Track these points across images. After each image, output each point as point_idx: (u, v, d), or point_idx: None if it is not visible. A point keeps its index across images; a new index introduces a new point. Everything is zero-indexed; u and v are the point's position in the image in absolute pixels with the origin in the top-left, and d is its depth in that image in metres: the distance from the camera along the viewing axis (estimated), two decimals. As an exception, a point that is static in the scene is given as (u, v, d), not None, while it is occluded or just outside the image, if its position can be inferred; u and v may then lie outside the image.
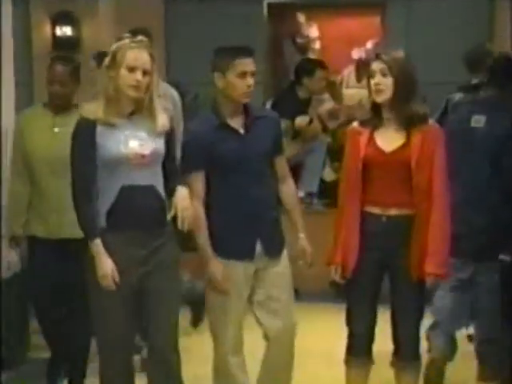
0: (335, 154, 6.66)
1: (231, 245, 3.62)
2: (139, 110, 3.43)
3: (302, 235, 3.82)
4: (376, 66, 3.60)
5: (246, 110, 3.66)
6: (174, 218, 3.42)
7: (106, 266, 3.34)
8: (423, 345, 4.03)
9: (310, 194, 6.98)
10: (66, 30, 6.68)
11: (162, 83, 4.87)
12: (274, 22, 8.20)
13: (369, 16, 8.69)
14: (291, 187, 3.89)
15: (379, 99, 3.59)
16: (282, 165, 3.83)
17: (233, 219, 3.62)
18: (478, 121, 4.20)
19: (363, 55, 8.35)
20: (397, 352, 3.76)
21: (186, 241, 3.58)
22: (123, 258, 3.37)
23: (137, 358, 3.58)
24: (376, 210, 3.64)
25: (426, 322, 3.78)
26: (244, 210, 3.62)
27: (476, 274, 4.29)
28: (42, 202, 4.17)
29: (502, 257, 4.12)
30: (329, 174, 6.98)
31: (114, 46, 3.40)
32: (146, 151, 3.39)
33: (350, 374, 3.83)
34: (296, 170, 6.02)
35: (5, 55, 4.79)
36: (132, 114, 3.43)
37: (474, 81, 4.89)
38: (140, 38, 3.43)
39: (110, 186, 3.39)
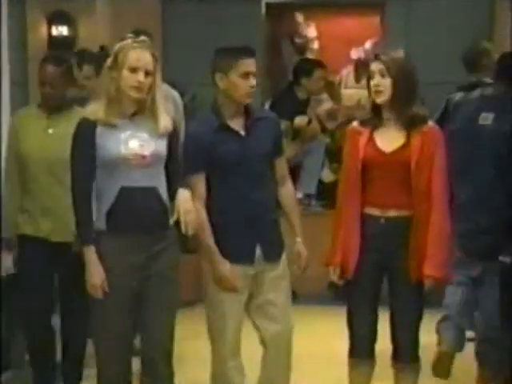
0: (334, 154, 6.66)
1: (231, 248, 3.59)
2: (141, 110, 3.42)
3: (299, 239, 3.80)
4: (375, 66, 3.60)
5: (246, 111, 3.64)
6: (177, 222, 3.39)
7: (96, 275, 3.35)
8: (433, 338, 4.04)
9: (308, 196, 6.99)
10: (62, 30, 6.64)
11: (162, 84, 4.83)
12: (272, 21, 8.18)
13: (368, 16, 8.67)
14: (290, 190, 3.86)
15: (378, 100, 3.59)
16: (281, 166, 3.81)
17: (233, 222, 3.60)
18: (486, 118, 4.22)
19: (362, 55, 8.35)
20: (396, 354, 3.75)
21: (185, 242, 3.56)
22: (123, 261, 3.36)
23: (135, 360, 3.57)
24: (375, 212, 3.63)
25: (426, 323, 3.76)
26: (244, 212, 3.60)
27: (484, 273, 4.29)
28: (33, 205, 4.11)
29: (501, 258, 4.11)
30: (327, 175, 6.97)
31: (116, 47, 3.39)
32: (147, 152, 3.37)
33: (353, 377, 3.82)
34: (294, 171, 5.99)
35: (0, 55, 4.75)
36: (134, 114, 3.42)
37: (472, 79, 4.88)
38: (142, 38, 3.42)
39: (110, 187, 3.37)
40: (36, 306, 4.12)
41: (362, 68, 7.86)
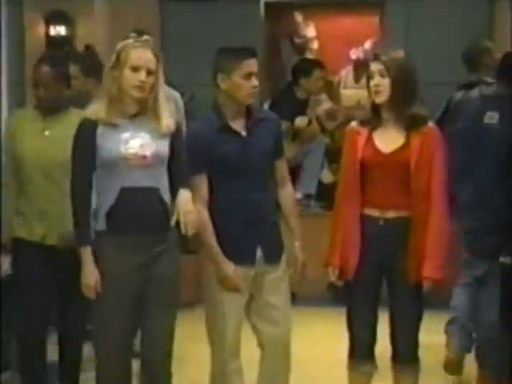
0: (333, 155, 6.64)
1: (232, 249, 3.58)
2: (143, 110, 3.40)
3: (297, 243, 3.79)
4: (374, 66, 3.59)
5: (248, 111, 3.63)
6: (178, 223, 3.37)
7: (90, 276, 3.35)
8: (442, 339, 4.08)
9: (308, 196, 6.98)
10: (59, 30, 6.63)
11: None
12: (271, 21, 8.18)
13: (367, 15, 8.68)
14: (290, 192, 3.85)
15: (378, 100, 3.58)
16: (282, 168, 3.80)
17: (233, 223, 3.59)
18: (492, 117, 4.23)
19: (361, 55, 8.33)
20: (395, 355, 3.73)
21: (185, 243, 3.54)
22: (123, 262, 3.35)
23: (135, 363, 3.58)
24: (374, 213, 3.62)
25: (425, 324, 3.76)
26: (245, 213, 3.59)
27: (487, 273, 4.29)
28: (29, 207, 4.06)
29: (502, 259, 4.11)
30: (327, 176, 6.97)
31: (118, 46, 3.37)
32: (147, 152, 3.35)
33: (352, 379, 3.81)
34: (294, 172, 5.98)
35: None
36: (136, 115, 3.40)
37: (473, 78, 4.88)
38: (145, 37, 3.40)
39: (110, 188, 3.36)
40: (32, 307, 4.08)
41: (361, 68, 7.85)
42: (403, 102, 3.55)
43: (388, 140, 3.59)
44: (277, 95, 7.18)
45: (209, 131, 3.56)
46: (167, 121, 3.43)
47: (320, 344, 5.36)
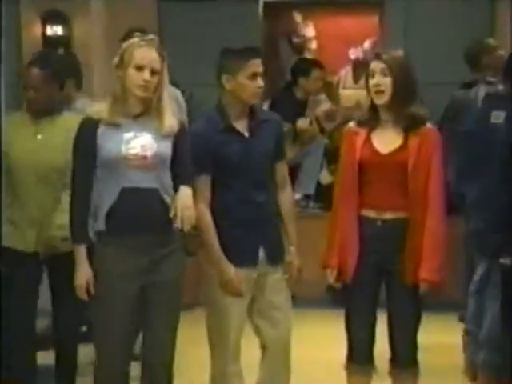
0: (332, 156, 6.61)
1: (234, 250, 3.57)
2: (147, 111, 3.39)
3: (292, 247, 3.77)
4: (376, 65, 3.56)
5: (251, 112, 3.63)
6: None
7: (82, 276, 3.35)
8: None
9: (306, 197, 6.96)
10: (56, 30, 6.61)
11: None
12: (269, 21, 8.20)
13: (367, 15, 8.69)
14: (289, 196, 3.84)
15: (379, 101, 3.55)
16: (282, 171, 3.79)
17: (236, 224, 3.58)
18: (498, 117, 4.20)
19: (360, 55, 8.32)
20: (394, 358, 3.72)
21: (185, 245, 3.51)
22: (123, 263, 3.33)
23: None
24: (371, 214, 3.60)
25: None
26: (247, 214, 3.58)
27: (490, 272, 4.26)
28: (21, 214, 3.99)
29: (502, 261, 4.09)
30: (325, 177, 6.96)
31: (123, 45, 3.36)
32: (148, 153, 3.33)
33: (351, 381, 3.79)
34: (293, 172, 5.95)
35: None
36: (140, 115, 3.38)
37: (475, 77, 4.86)
38: (150, 36, 3.38)
39: (110, 188, 3.34)
40: (21, 308, 4.03)
41: (360, 68, 7.84)
42: (403, 101, 3.53)
43: (386, 141, 3.57)
44: (276, 95, 7.15)
45: (213, 132, 3.56)
46: (170, 121, 3.40)
47: (319, 345, 5.35)
